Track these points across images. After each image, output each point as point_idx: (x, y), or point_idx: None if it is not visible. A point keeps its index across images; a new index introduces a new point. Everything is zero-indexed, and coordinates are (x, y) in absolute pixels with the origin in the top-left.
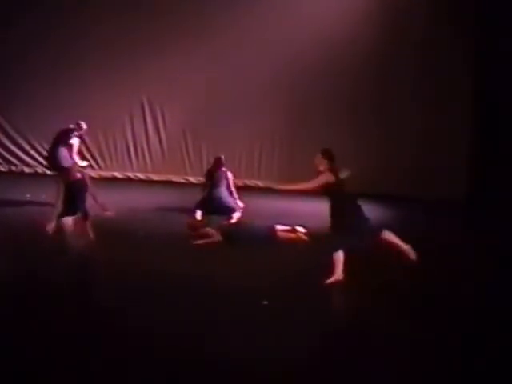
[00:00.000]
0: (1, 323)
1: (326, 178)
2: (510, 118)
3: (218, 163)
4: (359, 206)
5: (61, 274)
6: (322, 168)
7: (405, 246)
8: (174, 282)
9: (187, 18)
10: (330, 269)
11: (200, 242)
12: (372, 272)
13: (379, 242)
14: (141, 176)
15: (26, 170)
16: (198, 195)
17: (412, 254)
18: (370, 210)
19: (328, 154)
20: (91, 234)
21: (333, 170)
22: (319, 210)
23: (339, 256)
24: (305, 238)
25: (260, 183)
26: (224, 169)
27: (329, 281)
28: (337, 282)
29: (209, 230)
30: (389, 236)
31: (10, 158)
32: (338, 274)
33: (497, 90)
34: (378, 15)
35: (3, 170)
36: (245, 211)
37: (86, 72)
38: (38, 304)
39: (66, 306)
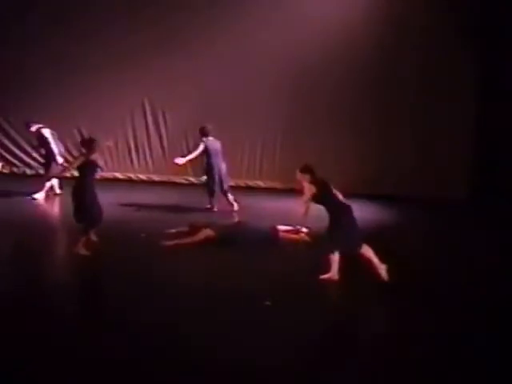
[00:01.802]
0: (2, 323)
1: (309, 191)
2: (510, 118)
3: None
4: (350, 214)
5: (62, 275)
6: (304, 183)
7: (380, 265)
8: (175, 283)
9: (188, 19)
10: (325, 267)
11: (170, 243)
12: (372, 272)
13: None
14: (142, 177)
15: (28, 171)
16: (198, 196)
17: (384, 275)
18: (370, 211)
19: (307, 169)
20: (93, 236)
21: (315, 181)
22: (320, 210)
23: (335, 256)
24: (307, 238)
25: (261, 184)
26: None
27: (323, 276)
28: (331, 280)
29: (207, 230)
30: (367, 251)
31: (12, 160)
32: (334, 272)
33: (497, 90)
34: (378, 17)
35: (5, 171)
36: (246, 212)
37: (88, 74)
38: (39, 304)
39: (67, 306)
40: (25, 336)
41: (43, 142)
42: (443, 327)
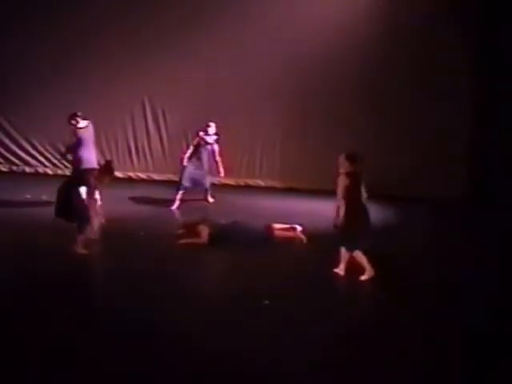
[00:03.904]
0: (1, 323)
1: (342, 182)
2: (510, 117)
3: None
4: (367, 212)
5: (61, 274)
6: (341, 170)
7: (370, 270)
8: (174, 282)
9: (188, 18)
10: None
11: (184, 241)
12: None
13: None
14: (142, 175)
15: (27, 169)
16: (198, 195)
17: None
18: (371, 210)
19: (351, 158)
20: (93, 235)
21: (351, 173)
22: (318, 209)
23: (360, 254)
24: (302, 236)
25: (261, 183)
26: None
27: (363, 278)
28: (371, 278)
29: (202, 228)
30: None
31: (12, 158)
32: (369, 270)
33: (497, 90)
34: (378, 16)
35: (4, 169)
36: (246, 211)
37: (88, 72)
38: (37, 304)
39: (65, 305)
40: (24, 336)
41: (76, 144)
42: (443, 326)
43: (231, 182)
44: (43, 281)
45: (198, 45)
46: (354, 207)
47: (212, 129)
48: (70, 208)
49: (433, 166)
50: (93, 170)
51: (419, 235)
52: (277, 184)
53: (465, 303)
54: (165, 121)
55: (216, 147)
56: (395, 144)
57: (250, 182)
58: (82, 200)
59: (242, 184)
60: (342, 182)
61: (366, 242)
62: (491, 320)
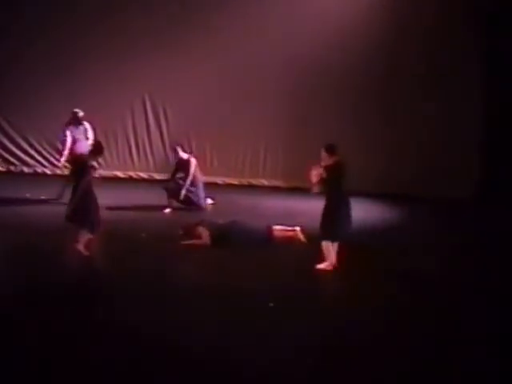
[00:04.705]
0: (1, 324)
1: (320, 173)
2: None
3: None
4: (349, 204)
5: (61, 274)
6: (322, 163)
7: (328, 260)
8: (174, 282)
9: (189, 15)
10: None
11: (187, 242)
12: (373, 272)
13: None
14: (143, 175)
15: (26, 169)
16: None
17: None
18: (373, 210)
19: (329, 149)
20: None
21: (330, 165)
22: (321, 208)
23: (328, 245)
24: (302, 237)
25: (265, 182)
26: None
27: (319, 266)
28: (326, 270)
29: (202, 229)
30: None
31: (10, 158)
32: (330, 261)
33: (503, 90)
34: (379, 15)
35: (2, 169)
36: (249, 210)
37: (87, 70)
38: (37, 304)
39: (65, 306)
40: (24, 336)
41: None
42: (443, 326)
43: (235, 181)
44: (43, 281)
45: (199, 43)
46: (334, 198)
47: (180, 153)
48: (75, 209)
49: (435, 166)
50: (83, 155)
51: (421, 235)
52: (280, 183)
53: (465, 303)
54: (166, 120)
55: (193, 161)
56: (397, 144)
57: (254, 181)
58: (87, 200)
59: (246, 184)
60: (319, 174)
61: (346, 233)
62: (491, 320)
